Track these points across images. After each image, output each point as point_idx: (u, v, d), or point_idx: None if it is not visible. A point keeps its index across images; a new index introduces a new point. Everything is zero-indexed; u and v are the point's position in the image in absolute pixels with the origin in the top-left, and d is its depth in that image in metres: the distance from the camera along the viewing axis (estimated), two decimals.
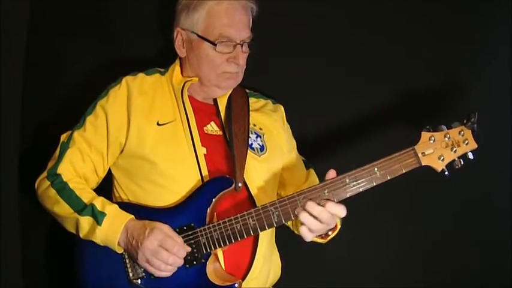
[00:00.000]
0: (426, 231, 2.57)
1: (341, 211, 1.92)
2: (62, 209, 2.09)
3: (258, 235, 2.07)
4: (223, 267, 2.06)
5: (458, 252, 2.56)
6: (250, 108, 2.28)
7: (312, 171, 2.37)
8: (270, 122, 2.31)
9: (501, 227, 2.53)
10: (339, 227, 2.13)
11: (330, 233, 2.10)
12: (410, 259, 2.59)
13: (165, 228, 2.00)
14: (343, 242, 2.16)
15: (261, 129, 2.27)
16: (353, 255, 2.51)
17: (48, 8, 2.67)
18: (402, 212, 2.54)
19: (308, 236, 1.95)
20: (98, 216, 2.02)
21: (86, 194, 2.10)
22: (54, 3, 2.67)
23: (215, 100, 2.24)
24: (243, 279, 2.06)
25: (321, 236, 2.09)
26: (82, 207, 2.05)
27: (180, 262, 1.99)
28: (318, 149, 2.55)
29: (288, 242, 2.32)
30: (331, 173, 1.96)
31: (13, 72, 2.63)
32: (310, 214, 1.92)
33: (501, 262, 2.54)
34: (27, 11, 2.67)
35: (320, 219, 1.92)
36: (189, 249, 2.01)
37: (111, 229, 2.02)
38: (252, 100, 2.33)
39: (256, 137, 2.24)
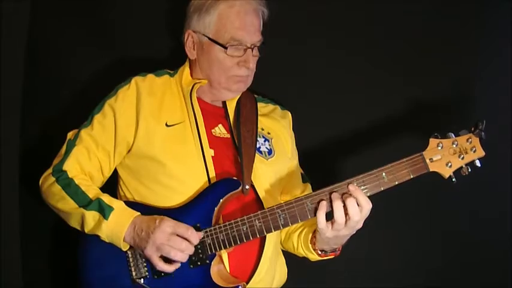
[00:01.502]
0: (427, 232, 2.59)
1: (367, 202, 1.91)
2: (67, 204, 2.07)
3: (265, 238, 2.08)
4: (228, 269, 2.05)
5: (459, 253, 2.59)
6: (259, 113, 2.28)
7: (309, 186, 2.37)
8: (278, 127, 2.31)
9: (502, 229, 2.56)
10: (337, 253, 2.15)
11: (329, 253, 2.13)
12: (413, 260, 2.60)
13: (174, 220, 2.00)
14: (347, 244, 2.16)
15: (269, 133, 2.27)
16: (356, 257, 2.52)
17: (49, 8, 2.65)
18: (405, 214, 2.57)
19: (324, 224, 1.92)
20: (105, 210, 2.01)
21: (92, 190, 2.08)
22: (55, 3, 2.65)
23: (224, 103, 2.25)
24: (248, 281, 2.06)
25: (323, 253, 2.13)
26: (88, 202, 2.04)
27: (192, 249, 1.98)
28: (327, 153, 2.57)
29: None
30: None
31: (13, 72, 2.61)
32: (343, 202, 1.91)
33: (502, 263, 2.57)
34: (27, 11, 2.65)
35: (347, 207, 1.90)
36: (201, 235, 2.00)
37: (118, 223, 2.00)
38: (260, 105, 2.33)
39: (265, 141, 2.24)
